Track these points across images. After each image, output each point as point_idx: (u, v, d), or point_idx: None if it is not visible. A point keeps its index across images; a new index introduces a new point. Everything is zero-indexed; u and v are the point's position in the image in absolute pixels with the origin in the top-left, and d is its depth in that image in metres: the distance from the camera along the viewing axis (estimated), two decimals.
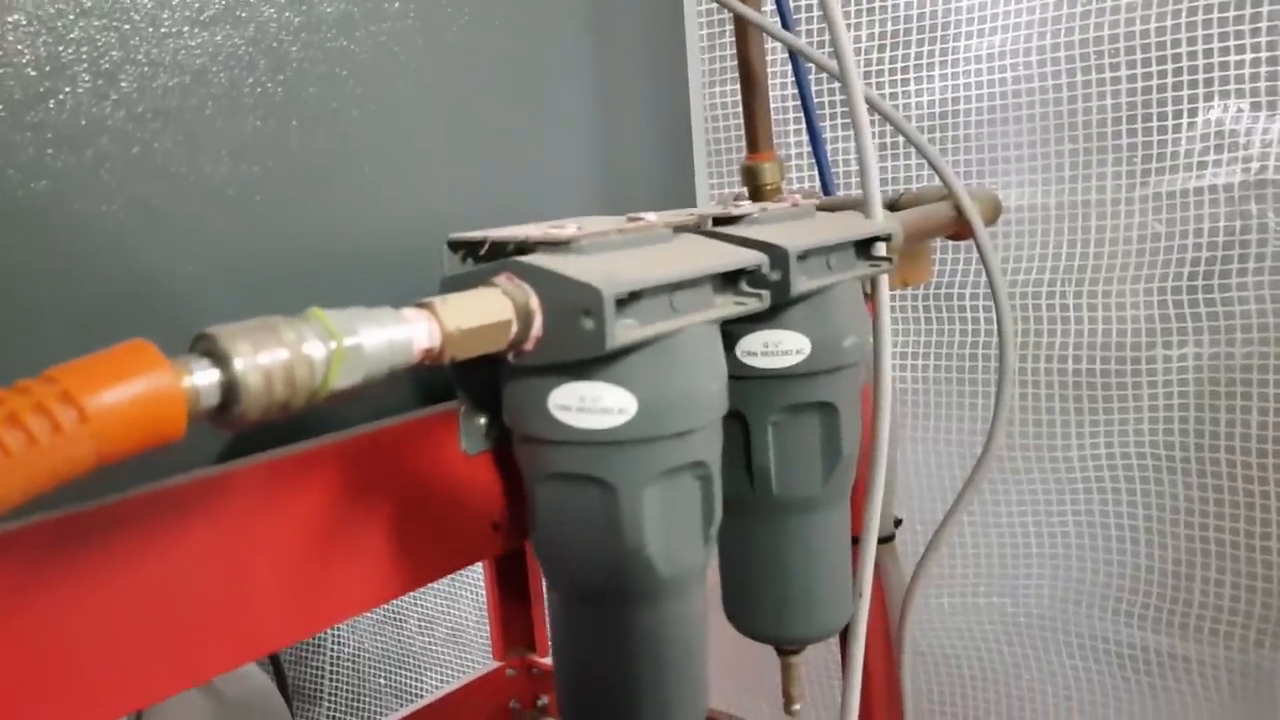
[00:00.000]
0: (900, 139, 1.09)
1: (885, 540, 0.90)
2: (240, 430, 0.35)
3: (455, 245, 0.50)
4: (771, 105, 0.90)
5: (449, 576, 1.71)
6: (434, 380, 0.58)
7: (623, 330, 0.43)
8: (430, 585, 1.73)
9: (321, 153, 0.54)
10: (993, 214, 0.88)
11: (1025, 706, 1.12)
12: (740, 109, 0.91)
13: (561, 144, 0.70)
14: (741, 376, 0.56)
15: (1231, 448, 0.98)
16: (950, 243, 1.11)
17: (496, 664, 1.21)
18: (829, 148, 1.08)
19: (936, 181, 0.84)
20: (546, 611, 1.23)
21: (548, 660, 1.20)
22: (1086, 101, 1.03)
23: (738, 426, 0.58)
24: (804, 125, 0.95)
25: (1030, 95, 1.05)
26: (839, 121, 1.12)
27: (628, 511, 0.46)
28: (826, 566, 0.61)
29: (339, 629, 1.92)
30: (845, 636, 0.83)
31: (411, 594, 1.78)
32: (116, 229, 0.46)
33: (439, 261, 0.52)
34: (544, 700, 1.20)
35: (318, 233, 0.53)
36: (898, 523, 0.91)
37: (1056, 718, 1.10)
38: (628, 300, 0.43)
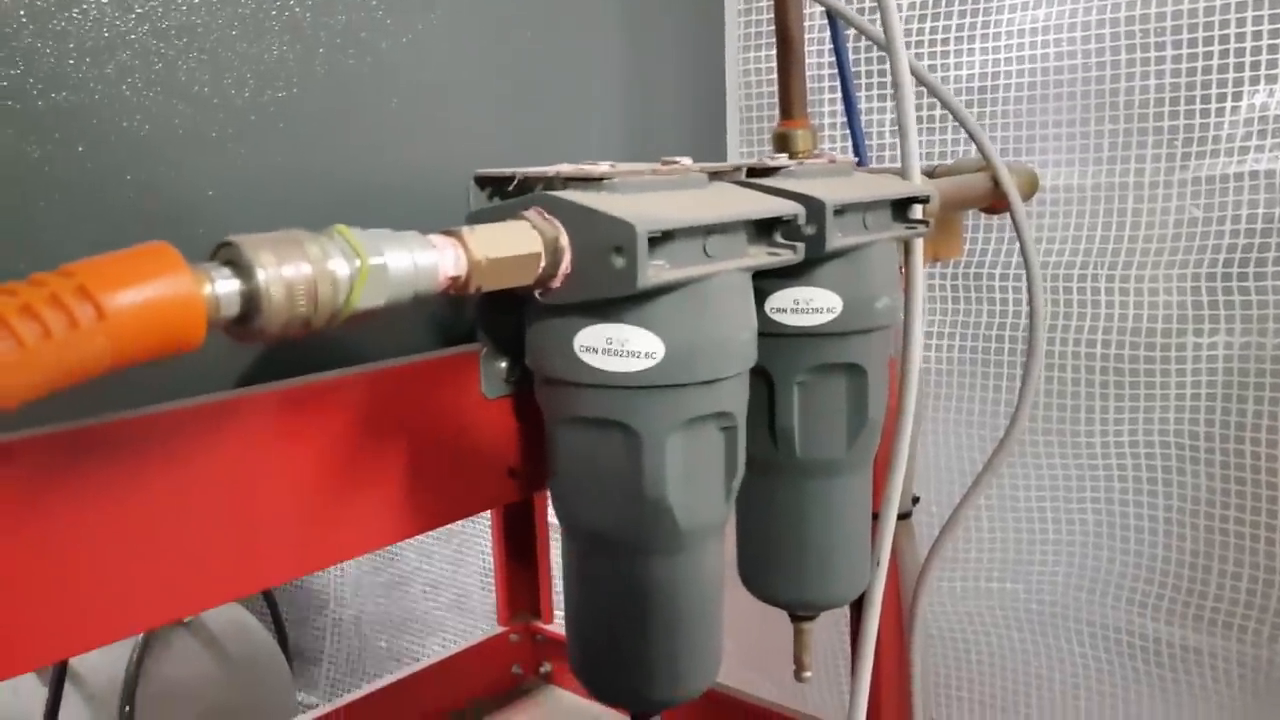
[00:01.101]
0: (937, 113, 1.07)
1: (903, 517, 0.89)
2: (258, 343, 0.33)
3: (483, 181, 0.49)
4: (807, 72, 0.89)
5: (456, 542, 1.71)
6: (456, 323, 0.57)
7: (654, 270, 0.42)
8: (435, 550, 1.73)
9: (348, 82, 0.52)
10: (1030, 189, 0.86)
11: (1032, 692, 1.11)
12: (775, 74, 0.90)
13: (593, 97, 0.68)
14: (770, 334, 0.54)
15: (1257, 439, 0.97)
16: (980, 221, 1.09)
17: (501, 629, 1.21)
18: (864, 119, 1.06)
19: (973, 155, 0.82)
20: (553, 577, 1.23)
21: (552, 627, 1.20)
22: (1129, 81, 1.01)
23: (763, 385, 0.57)
24: (840, 94, 0.93)
25: (1072, 72, 1.02)
26: (875, 92, 1.09)
27: (650, 460, 0.45)
28: (846, 533, 0.60)
29: (342, 591, 1.92)
30: (858, 608, 0.82)
31: (416, 559, 1.78)
32: (136, 146, 0.44)
33: (463, 199, 0.50)
34: (547, 667, 1.20)
35: (340, 163, 0.52)
36: (916, 500, 0.89)
37: (1063, 705, 1.09)
38: (660, 240, 0.42)
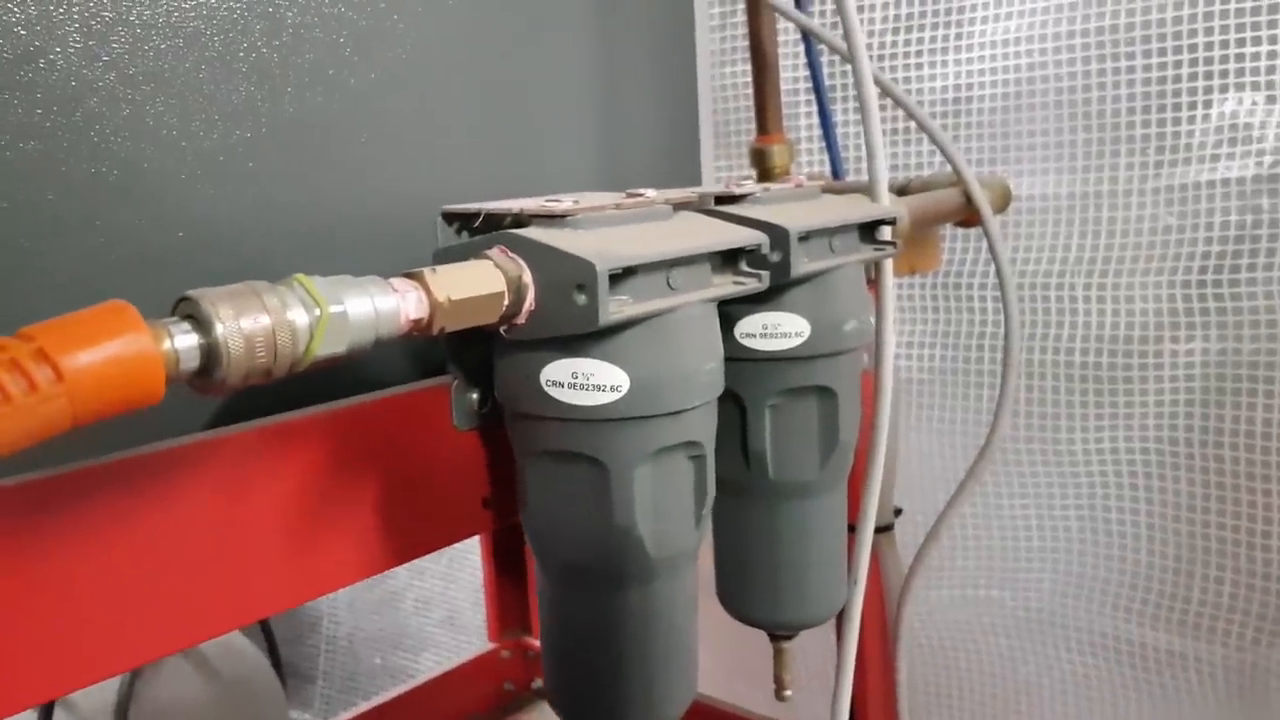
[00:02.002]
0: (913, 125, 1.08)
1: (884, 529, 0.89)
2: (222, 395, 0.34)
3: (450, 217, 0.50)
4: (783, 87, 0.89)
5: (446, 559, 1.71)
6: (429, 353, 0.57)
7: (616, 306, 0.42)
8: (427, 567, 1.73)
9: (316, 120, 0.53)
10: (1003, 202, 0.87)
11: (1021, 699, 1.11)
12: (750, 89, 0.90)
13: (563, 120, 0.69)
14: (739, 359, 0.55)
15: (1235, 445, 0.97)
16: (960, 231, 1.09)
17: (491, 645, 1.21)
18: (840, 131, 1.07)
19: (948, 168, 0.83)
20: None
21: None
22: (1101, 90, 1.02)
23: (734, 408, 0.57)
24: (815, 108, 0.94)
25: (1045, 83, 1.03)
26: (851, 105, 1.10)
27: (619, 491, 0.46)
28: (821, 552, 0.60)
29: (335, 609, 1.92)
30: (840, 624, 0.83)
31: (408, 576, 1.78)
32: (105, 191, 0.45)
33: (434, 235, 0.51)
34: (538, 683, 1.20)
35: (310, 202, 0.53)
36: (898, 512, 0.90)
37: (1052, 711, 1.10)
38: (622, 276, 0.43)
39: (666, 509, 0.47)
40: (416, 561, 1.83)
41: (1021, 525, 1.08)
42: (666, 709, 0.51)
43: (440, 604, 1.71)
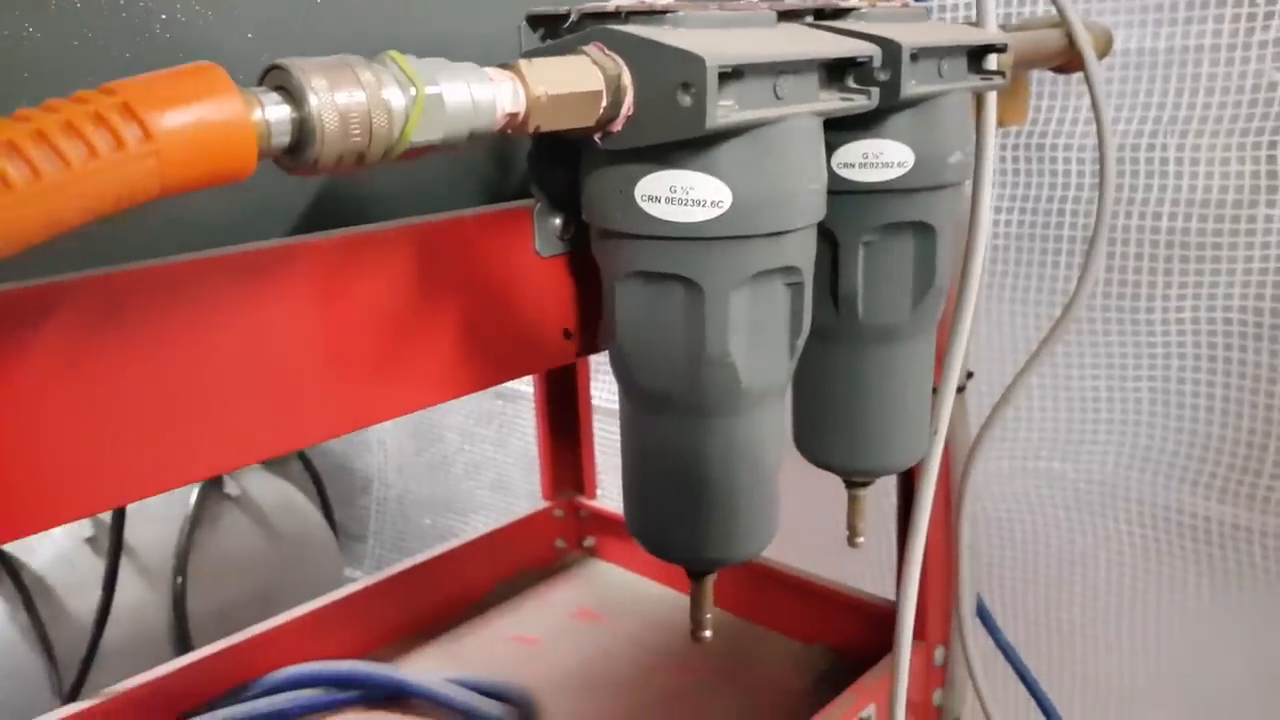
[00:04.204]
0: None
1: (958, 391, 0.87)
2: (312, 176, 0.32)
3: (536, 20, 0.46)
4: None
5: (498, 424, 1.72)
6: (503, 183, 0.55)
7: (723, 110, 0.39)
8: (477, 432, 1.75)
9: None
10: (1104, 48, 0.81)
11: (1076, 570, 1.11)
12: None
13: None
14: (835, 191, 0.52)
15: None
16: (1044, 89, 1.03)
17: (545, 504, 1.22)
18: None
19: (1040, 13, 0.77)
20: (596, 452, 1.24)
21: (595, 503, 1.20)
22: None
23: (826, 247, 0.54)
24: None
25: None
26: None
27: (714, 315, 0.43)
28: (906, 400, 0.58)
29: (385, 472, 1.95)
30: (906, 482, 0.81)
31: (459, 440, 1.79)
32: None
33: (511, 48, 0.47)
34: (590, 541, 1.21)
35: (380, 6, 0.49)
36: (969, 376, 0.87)
37: (1108, 583, 1.09)
38: (730, 77, 0.39)
39: (761, 338, 0.45)
40: (467, 426, 1.85)
41: (1090, 397, 1.05)
42: (746, 544, 0.50)
43: (491, 468, 1.72)
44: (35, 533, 0.35)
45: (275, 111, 0.29)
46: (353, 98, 0.31)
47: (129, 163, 0.26)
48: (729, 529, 0.49)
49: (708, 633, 0.53)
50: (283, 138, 0.30)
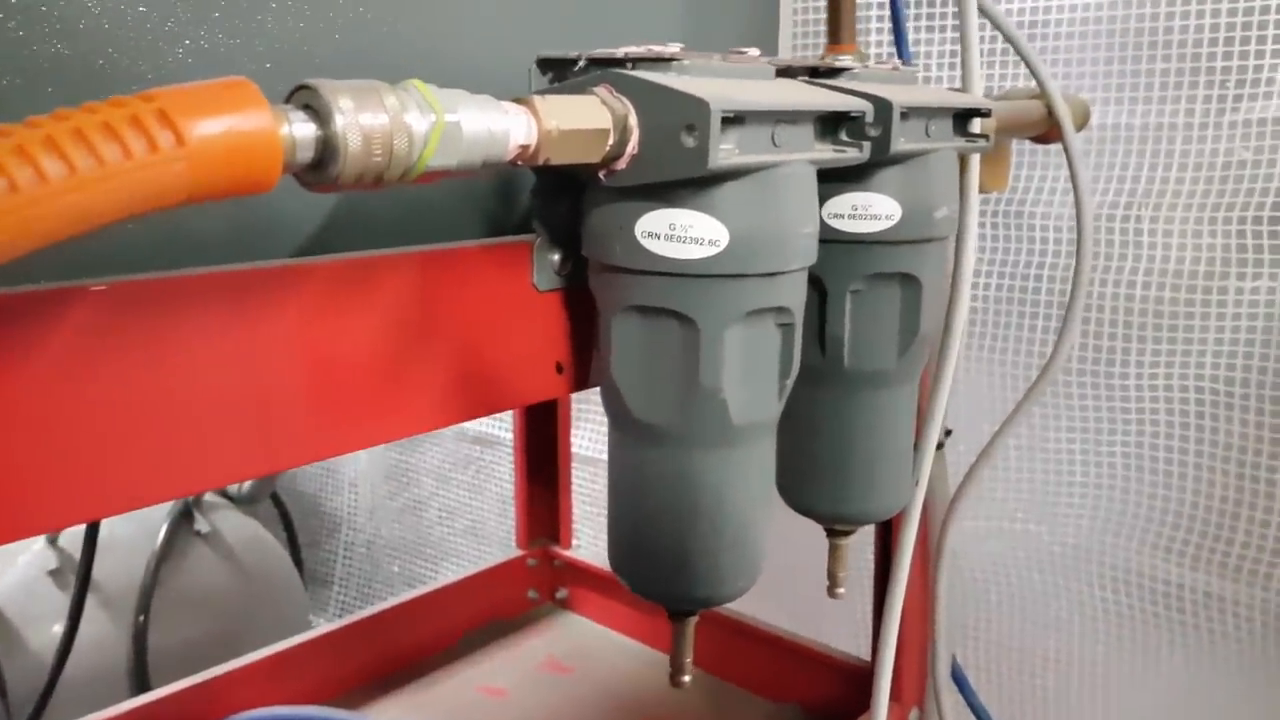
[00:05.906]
0: (985, 47, 1.05)
1: (937, 447, 0.88)
2: (332, 192, 0.33)
3: (545, 64, 0.48)
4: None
5: (474, 469, 1.71)
6: (505, 217, 0.56)
7: (724, 153, 0.41)
8: (453, 476, 1.73)
9: None
10: (1082, 120, 0.84)
11: (1050, 635, 1.11)
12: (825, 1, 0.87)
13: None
14: (825, 240, 0.53)
15: None
16: (1024, 159, 1.07)
17: (519, 552, 1.21)
18: (911, 49, 1.03)
19: (1021, 85, 0.80)
20: (574, 502, 1.23)
21: (570, 552, 1.20)
22: (1184, 20, 0.98)
23: (814, 293, 0.56)
24: (889, 21, 0.91)
25: (1127, 8, 1.00)
26: (923, 24, 1.07)
27: (708, 350, 0.44)
28: (890, 446, 0.59)
29: (355, 515, 1.93)
30: (885, 534, 0.82)
31: (434, 485, 1.78)
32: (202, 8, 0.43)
33: (520, 87, 0.49)
34: (563, 593, 1.20)
35: (395, 45, 0.51)
36: (948, 433, 0.89)
37: (1081, 649, 1.10)
38: (730, 123, 0.41)
39: (753, 375, 0.46)
40: (442, 470, 1.83)
41: (1065, 460, 1.07)
42: (732, 583, 0.50)
43: (465, 514, 1.71)
44: (11, 540, 0.35)
45: (302, 128, 0.31)
46: (376, 119, 0.32)
47: (160, 165, 0.27)
48: (714, 568, 0.49)
49: (687, 677, 0.53)
50: (307, 153, 0.31)
